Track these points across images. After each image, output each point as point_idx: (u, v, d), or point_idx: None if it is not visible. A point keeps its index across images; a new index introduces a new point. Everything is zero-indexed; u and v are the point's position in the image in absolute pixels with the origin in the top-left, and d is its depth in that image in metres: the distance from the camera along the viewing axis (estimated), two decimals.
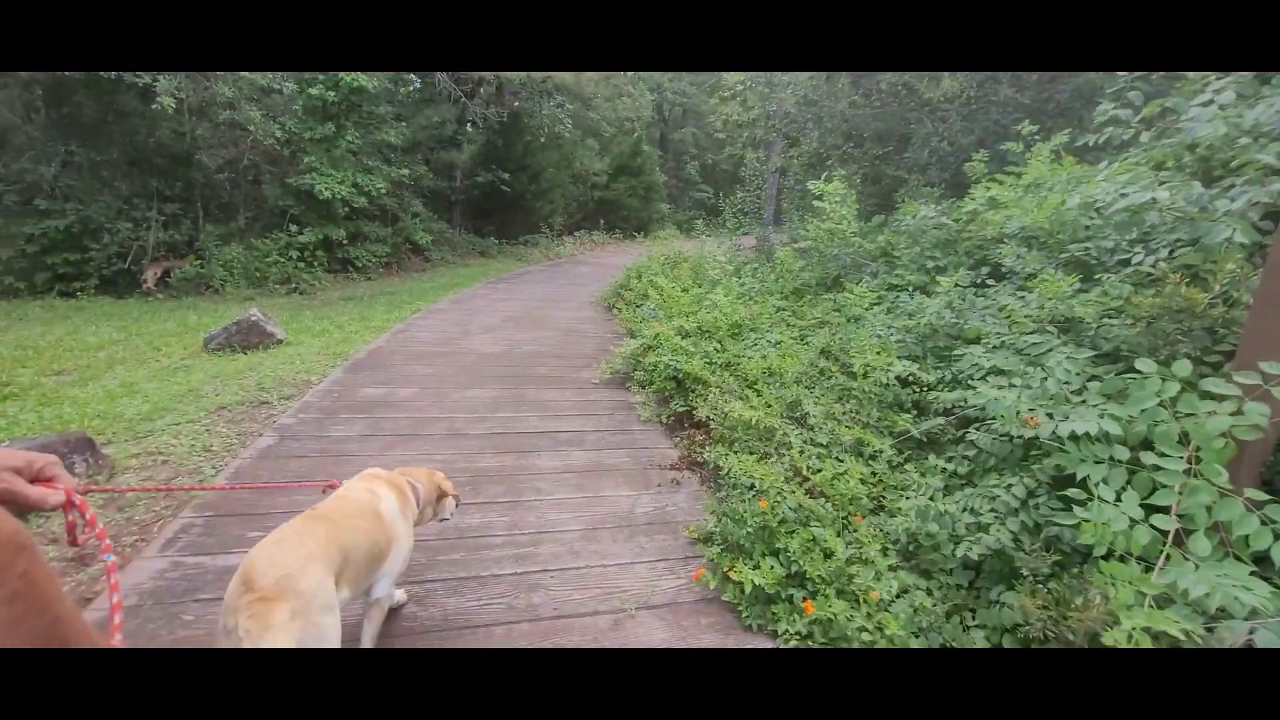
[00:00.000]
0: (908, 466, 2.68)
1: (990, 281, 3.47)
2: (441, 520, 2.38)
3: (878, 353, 3.09)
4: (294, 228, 10.05)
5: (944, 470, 2.61)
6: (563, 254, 15.53)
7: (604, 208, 19.84)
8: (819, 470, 2.72)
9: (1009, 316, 2.85)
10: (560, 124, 16.31)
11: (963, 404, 2.60)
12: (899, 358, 3.21)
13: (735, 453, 3.05)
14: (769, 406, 3.25)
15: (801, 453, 2.80)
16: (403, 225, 12.32)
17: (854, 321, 4.22)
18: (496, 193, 15.60)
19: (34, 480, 0.95)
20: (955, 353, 3.03)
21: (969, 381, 2.66)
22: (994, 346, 2.77)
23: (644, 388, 4.81)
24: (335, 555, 1.62)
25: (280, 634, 1.35)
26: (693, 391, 4.06)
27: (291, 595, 1.42)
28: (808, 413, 3.16)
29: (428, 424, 4.13)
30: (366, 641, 2.01)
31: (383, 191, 10.92)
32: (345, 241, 10.80)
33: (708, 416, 3.66)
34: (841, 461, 2.75)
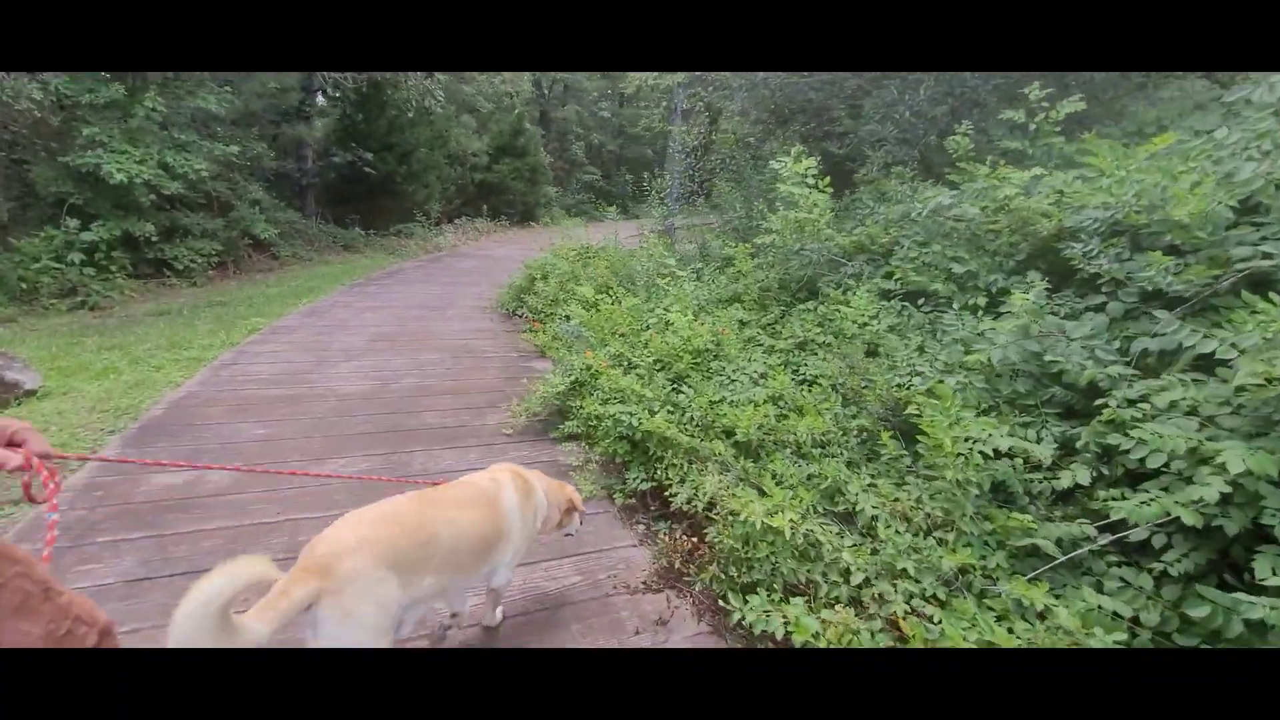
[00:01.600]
0: (1056, 609, 1.68)
1: (1057, 292, 2.58)
2: (566, 534, 2.35)
3: (956, 415, 2.07)
4: (74, 222, 7.61)
5: (1116, 616, 1.64)
6: (443, 245, 13.65)
7: (486, 191, 17.97)
8: (938, 636, 1.66)
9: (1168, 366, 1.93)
10: (430, 96, 14.32)
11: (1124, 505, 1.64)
12: (964, 408, 2.22)
13: (765, 590, 1.92)
14: (797, 499, 2.15)
15: (906, 615, 1.72)
16: (238, 216, 9.99)
17: (852, 341, 3.22)
18: (359, 176, 13.39)
19: (8, 444, 1.15)
20: (1047, 397, 2.08)
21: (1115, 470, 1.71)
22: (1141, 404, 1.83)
23: (577, 441, 3.57)
24: (402, 546, 1.59)
25: (293, 604, 1.36)
26: (658, 459, 2.89)
27: (327, 575, 1.43)
28: (861, 509, 2.10)
29: (258, 538, 2.65)
30: (494, 618, 2.16)
31: (205, 174, 8.65)
32: (155, 239, 8.44)
33: (695, 508, 2.51)
34: (966, 620, 1.69)
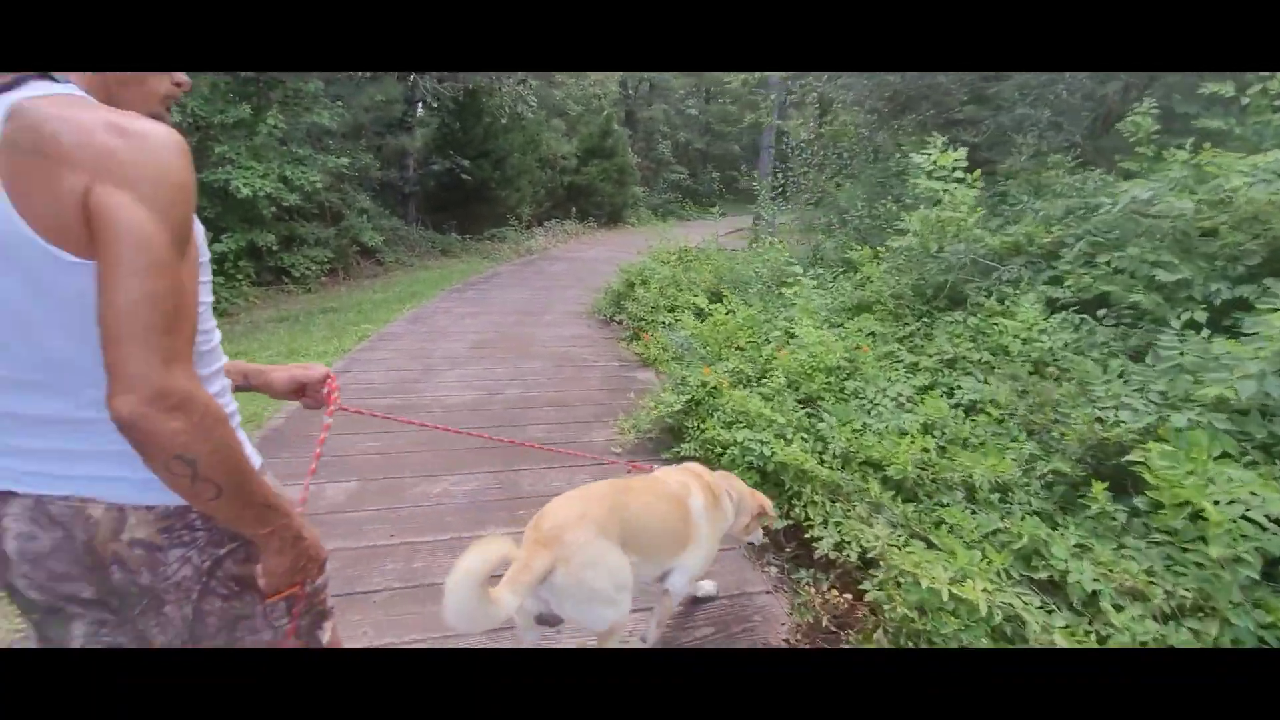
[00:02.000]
0: None
1: None
2: (749, 544, 2.38)
3: (1207, 468, 1.63)
4: (209, 234, 8.16)
5: None
6: (534, 249, 13.80)
7: (575, 194, 18.09)
8: None
9: None
10: (523, 102, 14.52)
11: None
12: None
13: None
14: (986, 561, 1.78)
15: None
16: (348, 224, 10.48)
17: (1014, 360, 2.77)
18: (456, 182, 13.75)
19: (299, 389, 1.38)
20: None
21: None
22: None
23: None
24: (613, 522, 1.68)
25: (533, 572, 1.51)
26: (794, 495, 2.57)
27: (556, 545, 1.56)
28: (1075, 580, 1.70)
29: (373, 562, 2.56)
30: (651, 627, 2.06)
31: (319, 185, 9.08)
32: (276, 248, 8.95)
33: (845, 558, 2.19)
34: None
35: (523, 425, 4.00)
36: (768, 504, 2.18)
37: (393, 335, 6.24)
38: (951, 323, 3.31)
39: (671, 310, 5.50)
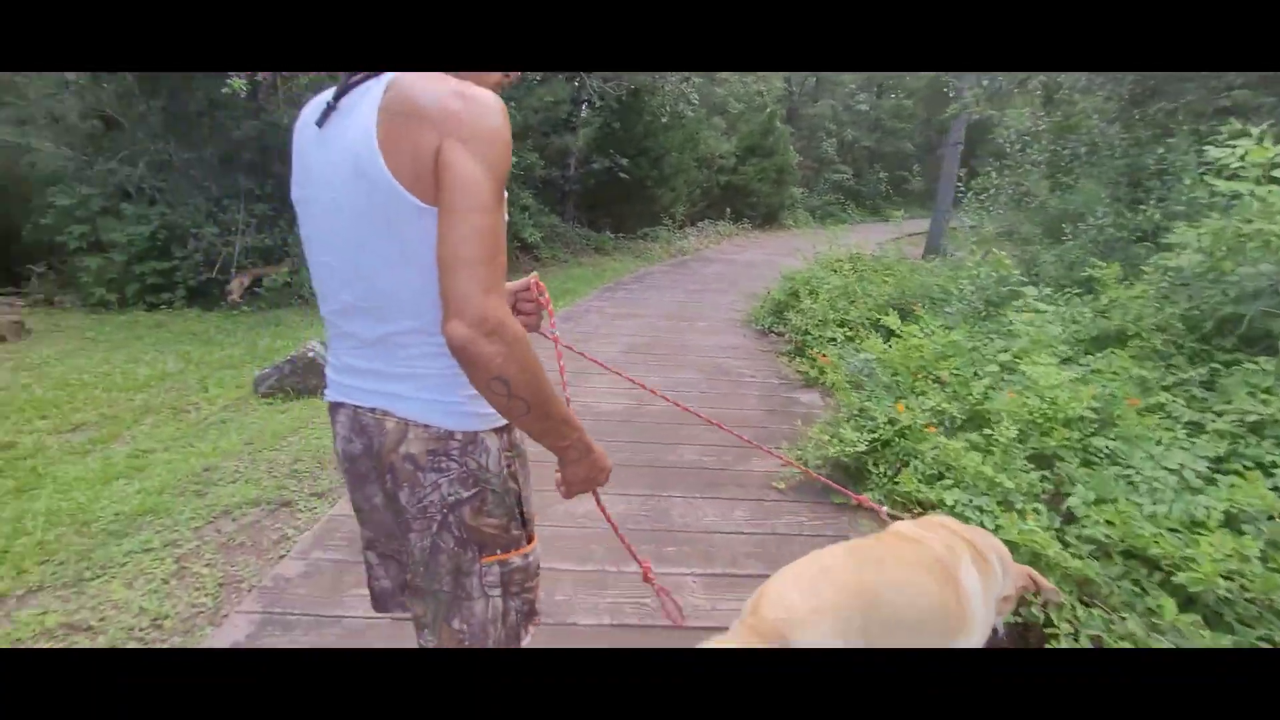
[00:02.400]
0: None
1: None
2: (994, 633, 1.59)
3: None
4: None
5: None
6: (687, 249, 13.58)
7: (730, 194, 17.63)
8: None
9: None
10: (685, 101, 14.33)
11: None
12: None
13: None
14: None
15: None
16: (510, 221, 10.89)
17: None
18: (614, 180, 13.89)
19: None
20: None
21: None
22: None
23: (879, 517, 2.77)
24: (857, 615, 1.29)
25: None
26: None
27: (777, 642, 1.23)
28: None
29: None
30: None
31: None
32: None
33: None
34: None
35: (674, 445, 3.68)
36: (1039, 577, 1.67)
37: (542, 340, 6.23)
38: (1254, 370, 2.46)
39: (842, 326, 4.91)
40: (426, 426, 1.03)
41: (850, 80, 24.07)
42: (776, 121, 18.44)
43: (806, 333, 5.00)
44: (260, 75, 7.06)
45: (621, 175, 13.86)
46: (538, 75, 12.53)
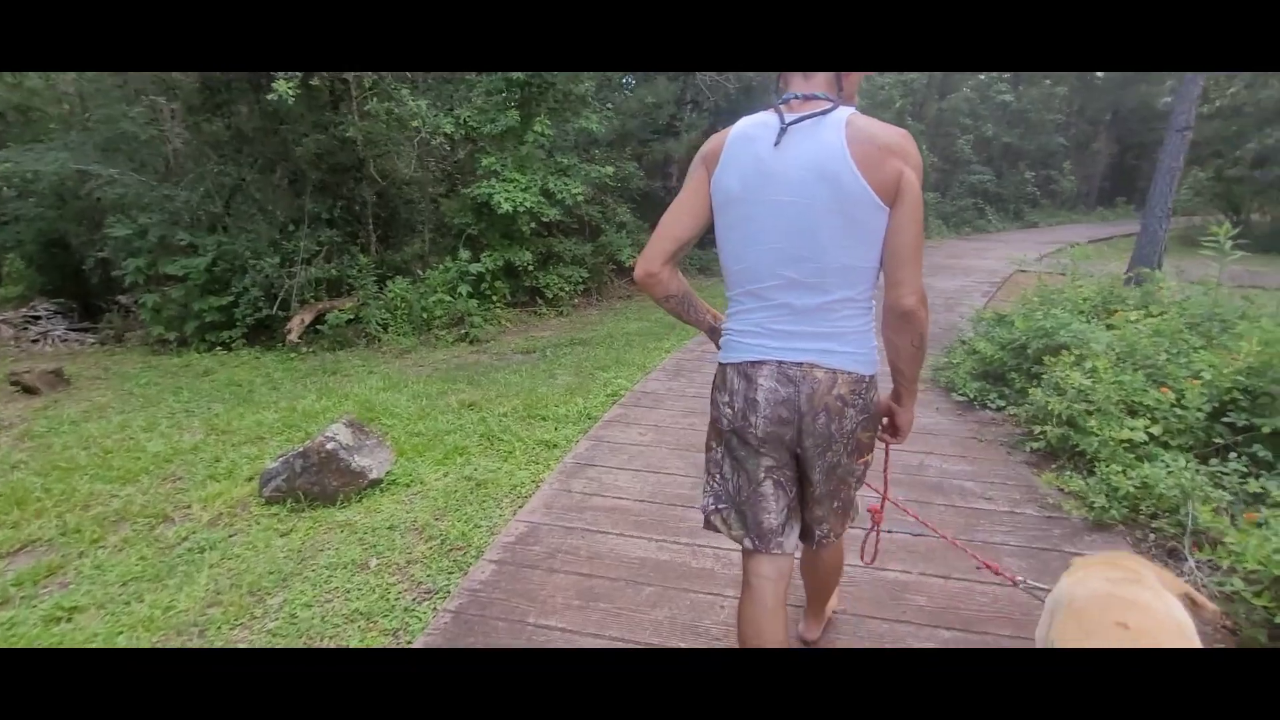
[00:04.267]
0: None
1: None
2: None
3: None
4: (466, 253, 7.60)
5: None
6: None
7: None
8: None
9: None
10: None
11: None
12: None
13: None
14: None
15: None
16: (605, 240, 9.50)
17: None
18: None
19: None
20: None
21: None
22: None
23: None
24: None
25: None
26: None
27: None
28: None
29: None
30: None
31: (580, 198, 8.13)
32: (532, 266, 8.19)
33: None
34: None
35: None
36: (1197, 596, 1.39)
37: (650, 397, 4.64)
38: None
39: (1134, 413, 2.96)
40: (849, 373, 1.37)
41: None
42: (905, 118, 16.06)
43: (1073, 427, 3.07)
44: (320, 78, 6.04)
45: None
46: (629, 76, 11.15)
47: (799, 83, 1.36)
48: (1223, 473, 2.53)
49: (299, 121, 7.12)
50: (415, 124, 6.84)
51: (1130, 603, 1.26)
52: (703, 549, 2.59)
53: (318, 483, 3.24)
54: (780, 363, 1.37)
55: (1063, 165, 23.12)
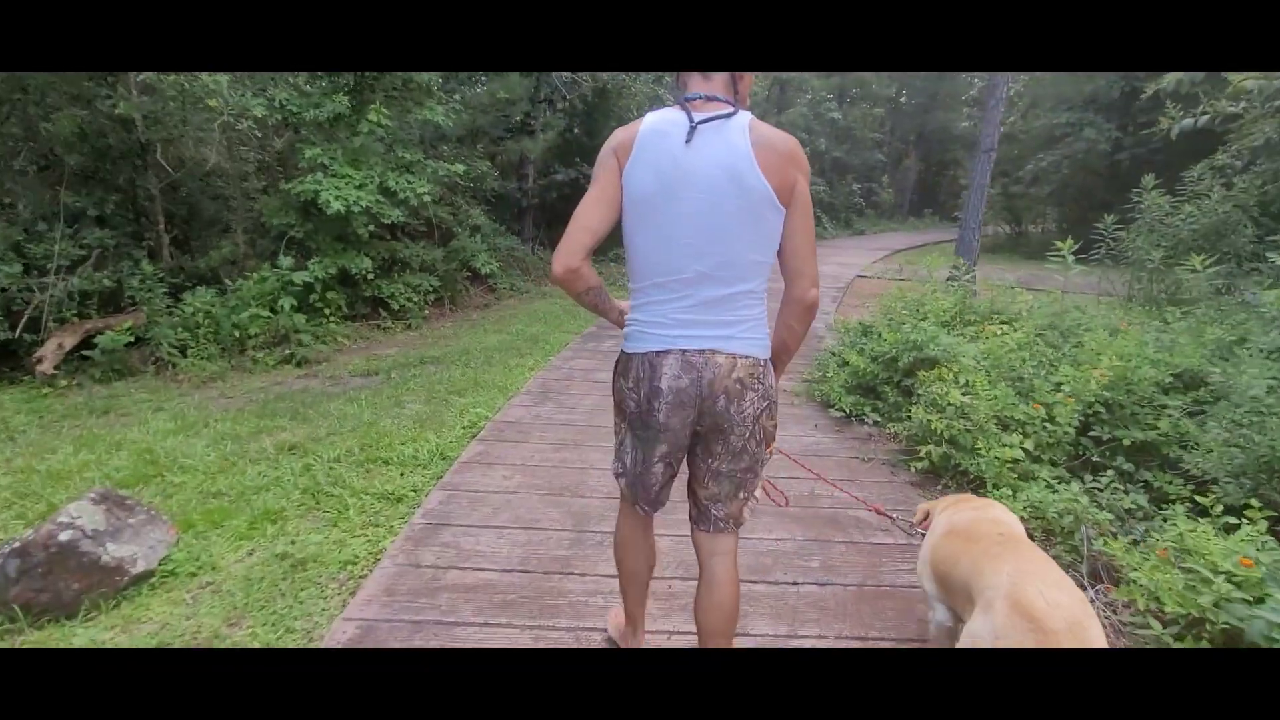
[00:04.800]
0: None
1: None
2: None
3: None
4: (288, 260, 6.49)
5: None
6: None
7: None
8: None
9: None
10: (660, 103, 12.43)
11: None
12: None
13: None
14: None
15: None
16: (459, 245, 8.68)
17: None
18: (580, 194, 11.82)
19: None
20: None
21: None
22: None
23: None
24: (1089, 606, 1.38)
25: None
26: None
27: (1085, 645, 1.25)
28: None
29: None
30: None
31: (427, 198, 7.30)
32: (372, 274, 7.22)
33: None
34: None
35: None
36: None
37: (515, 429, 4.09)
38: None
39: (1006, 428, 2.98)
40: (747, 357, 1.46)
41: (820, 86, 22.71)
42: None
43: (953, 444, 3.03)
44: None
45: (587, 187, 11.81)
46: (482, 74, 10.39)
47: (699, 82, 1.44)
48: (1098, 488, 2.56)
49: (49, 90, 5.61)
50: (213, 104, 5.65)
51: (996, 519, 1.75)
52: (589, 633, 2.14)
53: (46, 589, 2.32)
54: (684, 351, 1.44)
55: (881, 179, 25.62)
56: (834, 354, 4.68)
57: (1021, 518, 2.55)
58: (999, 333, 3.62)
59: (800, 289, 1.45)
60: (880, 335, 4.07)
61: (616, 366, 1.61)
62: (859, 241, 19.82)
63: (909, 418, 3.36)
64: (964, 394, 3.06)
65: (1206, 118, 5.11)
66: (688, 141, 1.37)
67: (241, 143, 6.91)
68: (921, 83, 28.49)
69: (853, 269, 12.73)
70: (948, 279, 9.81)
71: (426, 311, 8.16)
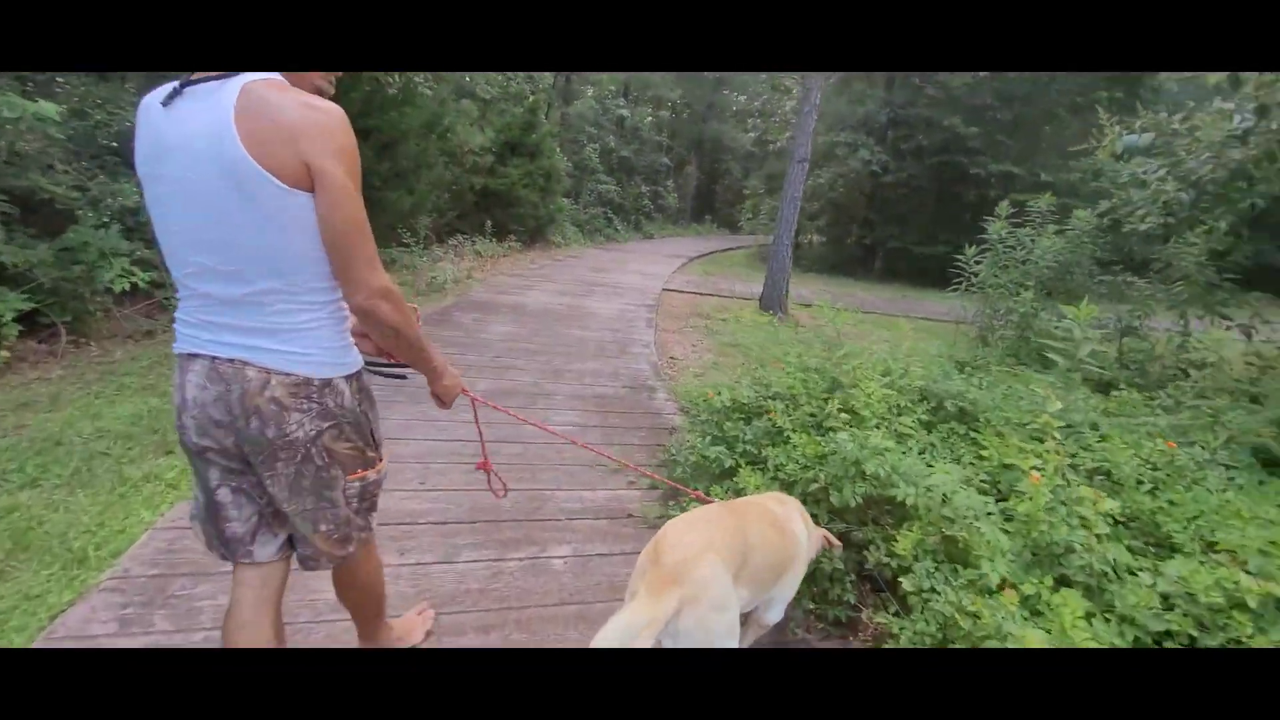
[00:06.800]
0: None
1: None
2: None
3: None
4: None
5: None
6: (444, 282, 9.19)
7: (489, 201, 13.59)
8: None
9: None
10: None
11: None
12: None
13: None
14: None
15: None
16: (81, 238, 5.38)
17: None
18: None
19: None
20: None
21: None
22: None
23: None
24: (737, 552, 1.58)
25: (661, 619, 1.34)
26: None
27: (686, 582, 1.41)
28: None
29: None
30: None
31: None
32: None
33: None
34: None
35: None
36: (831, 537, 2.08)
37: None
38: None
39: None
40: (287, 374, 1.25)
41: (610, 81, 21.68)
42: (540, 114, 14.92)
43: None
44: None
45: None
46: None
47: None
48: None
49: None
50: None
51: (761, 503, 1.92)
52: None
53: None
54: (214, 358, 1.27)
55: (666, 183, 25.64)
56: (695, 450, 3.04)
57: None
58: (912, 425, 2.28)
59: (353, 300, 1.26)
60: (788, 440, 2.50)
61: None
62: (651, 246, 19.22)
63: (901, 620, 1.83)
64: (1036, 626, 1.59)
65: (1150, 136, 4.63)
66: (164, 104, 1.17)
67: None
68: (700, 90, 29.27)
69: (656, 280, 11.63)
70: (760, 297, 9.17)
71: (28, 352, 4.89)
